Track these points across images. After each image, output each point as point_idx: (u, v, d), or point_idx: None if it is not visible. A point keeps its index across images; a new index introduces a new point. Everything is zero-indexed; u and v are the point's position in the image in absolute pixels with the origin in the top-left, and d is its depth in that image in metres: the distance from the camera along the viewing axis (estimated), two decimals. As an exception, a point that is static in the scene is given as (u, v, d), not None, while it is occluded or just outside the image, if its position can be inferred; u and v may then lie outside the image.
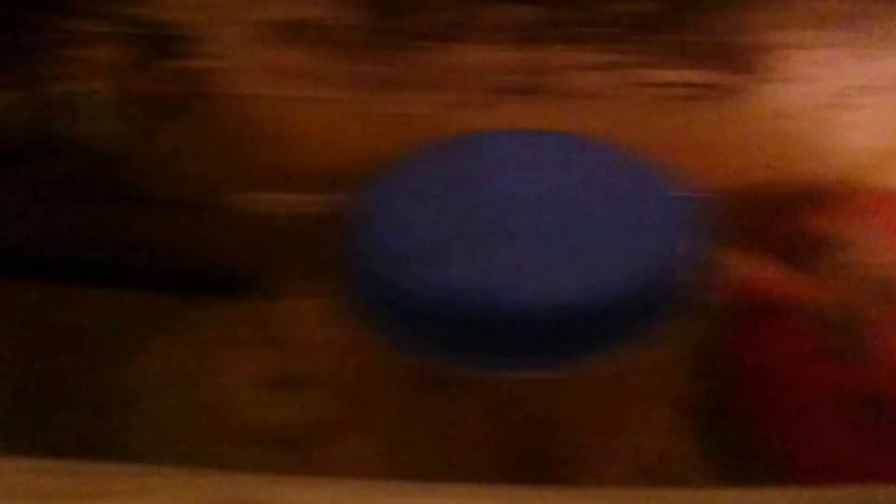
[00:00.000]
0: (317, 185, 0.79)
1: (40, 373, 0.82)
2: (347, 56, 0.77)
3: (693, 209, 0.67)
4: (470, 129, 0.79)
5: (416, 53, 0.77)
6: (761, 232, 0.76)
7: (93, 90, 0.70)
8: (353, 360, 0.80)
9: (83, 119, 0.69)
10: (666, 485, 0.74)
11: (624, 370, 0.72)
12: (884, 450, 0.68)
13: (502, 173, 0.68)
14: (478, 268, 0.65)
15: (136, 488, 0.52)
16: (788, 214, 0.77)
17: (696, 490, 0.59)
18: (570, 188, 0.67)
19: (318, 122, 0.80)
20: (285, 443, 0.82)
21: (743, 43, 0.76)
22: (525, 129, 0.70)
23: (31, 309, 0.80)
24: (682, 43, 0.76)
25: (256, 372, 0.82)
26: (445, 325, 0.66)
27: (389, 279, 0.66)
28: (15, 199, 0.70)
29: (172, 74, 0.79)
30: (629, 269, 0.64)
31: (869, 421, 0.69)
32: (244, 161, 0.81)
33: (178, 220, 0.74)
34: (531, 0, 0.74)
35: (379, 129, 0.80)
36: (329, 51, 0.77)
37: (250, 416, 0.83)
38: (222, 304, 0.74)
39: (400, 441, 0.81)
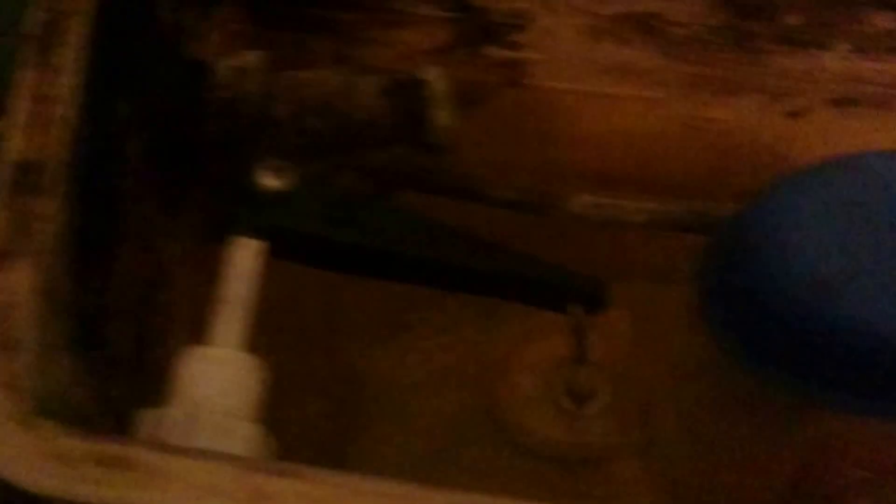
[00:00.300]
0: (637, 190, 0.74)
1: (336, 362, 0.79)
2: (681, 55, 0.72)
3: None
4: (804, 141, 0.74)
5: (757, 57, 0.72)
6: None
7: (425, 78, 0.65)
8: (669, 380, 0.76)
9: (419, 107, 0.64)
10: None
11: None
12: None
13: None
14: (880, 305, 0.60)
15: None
16: None
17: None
18: None
19: (639, 123, 0.76)
20: (574, 462, 0.78)
21: None
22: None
23: (331, 298, 0.78)
24: None
25: (559, 385, 0.77)
26: (828, 362, 0.62)
27: (774, 306, 0.62)
28: (355, 187, 0.65)
29: (492, 63, 0.73)
30: None
31: None
32: (560, 160, 0.76)
33: (510, 221, 0.69)
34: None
35: (704, 134, 0.76)
36: (662, 48, 0.72)
37: (541, 429, 0.79)
38: (533, 309, 0.68)
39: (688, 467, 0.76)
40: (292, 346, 0.77)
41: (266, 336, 0.62)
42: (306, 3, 0.73)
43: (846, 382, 0.63)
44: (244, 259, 0.60)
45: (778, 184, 0.64)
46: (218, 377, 0.57)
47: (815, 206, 0.62)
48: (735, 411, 0.76)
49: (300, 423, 0.77)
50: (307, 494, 0.49)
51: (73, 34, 0.56)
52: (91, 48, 0.56)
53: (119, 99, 0.61)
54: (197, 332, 0.68)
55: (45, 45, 0.56)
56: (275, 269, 0.66)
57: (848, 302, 0.61)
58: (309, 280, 0.71)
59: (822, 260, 0.61)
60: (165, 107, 0.65)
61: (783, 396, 0.69)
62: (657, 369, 0.79)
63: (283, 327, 0.76)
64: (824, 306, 0.61)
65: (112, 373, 0.61)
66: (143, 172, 0.64)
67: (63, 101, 0.55)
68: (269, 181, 0.60)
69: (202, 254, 0.71)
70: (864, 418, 0.66)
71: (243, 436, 0.56)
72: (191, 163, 0.66)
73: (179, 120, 0.65)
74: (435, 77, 0.66)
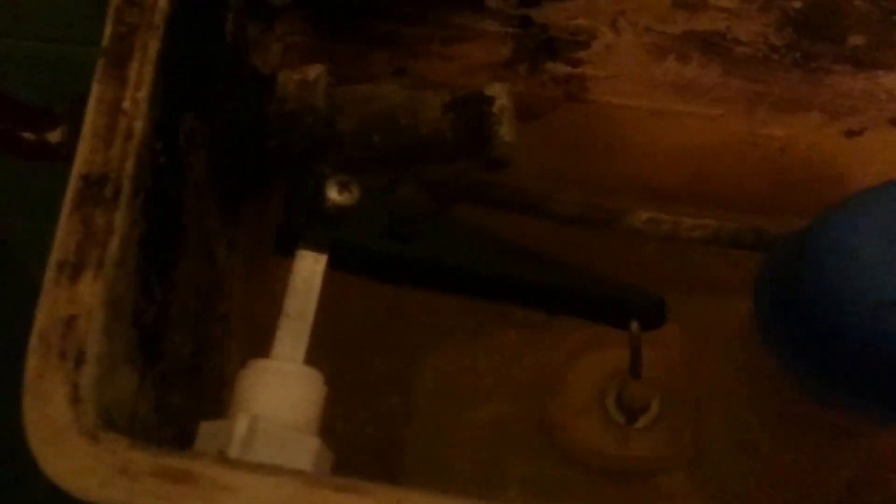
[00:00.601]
0: (694, 205, 0.74)
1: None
2: (741, 73, 0.72)
3: None
4: (861, 159, 0.74)
5: (818, 76, 0.72)
6: None
7: (491, 94, 0.65)
8: (720, 394, 0.76)
9: (484, 123, 0.64)
10: None
11: None
12: None
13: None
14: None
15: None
16: None
17: None
18: None
19: (697, 140, 0.76)
20: (623, 474, 0.77)
21: None
22: None
23: (379, 307, 0.78)
24: None
25: (610, 397, 0.78)
26: (887, 380, 0.62)
27: (834, 325, 0.62)
28: (415, 201, 0.65)
29: (551, 78, 0.73)
30: None
31: None
32: (617, 175, 0.76)
33: (563, 234, 0.69)
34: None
35: (761, 151, 0.76)
36: (723, 66, 0.72)
37: (591, 440, 0.80)
38: (586, 322, 0.68)
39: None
40: (341, 355, 0.77)
41: (315, 345, 0.62)
42: (367, 17, 0.72)
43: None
44: (309, 273, 0.60)
45: (841, 204, 0.64)
46: (281, 391, 0.57)
47: (878, 227, 0.62)
48: (787, 426, 0.76)
49: (349, 431, 0.77)
50: (370, 510, 0.48)
51: (143, 48, 0.56)
52: (160, 62, 0.56)
53: (185, 112, 0.61)
54: (252, 342, 0.69)
55: (116, 58, 0.56)
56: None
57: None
58: (356, 288, 0.71)
59: (884, 281, 0.61)
60: (229, 119, 0.65)
61: (838, 412, 0.68)
62: (707, 383, 0.79)
63: (331, 336, 0.76)
64: (885, 327, 0.60)
65: (171, 382, 0.61)
66: (205, 184, 0.64)
67: (131, 113, 0.55)
68: (334, 195, 0.60)
69: (257, 264, 0.72)
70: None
71: (304, 449, 0.56)
72: (252, 175, 0.66)
73: (243, 132, 0.65)
74: (500, 93, 0.65)
